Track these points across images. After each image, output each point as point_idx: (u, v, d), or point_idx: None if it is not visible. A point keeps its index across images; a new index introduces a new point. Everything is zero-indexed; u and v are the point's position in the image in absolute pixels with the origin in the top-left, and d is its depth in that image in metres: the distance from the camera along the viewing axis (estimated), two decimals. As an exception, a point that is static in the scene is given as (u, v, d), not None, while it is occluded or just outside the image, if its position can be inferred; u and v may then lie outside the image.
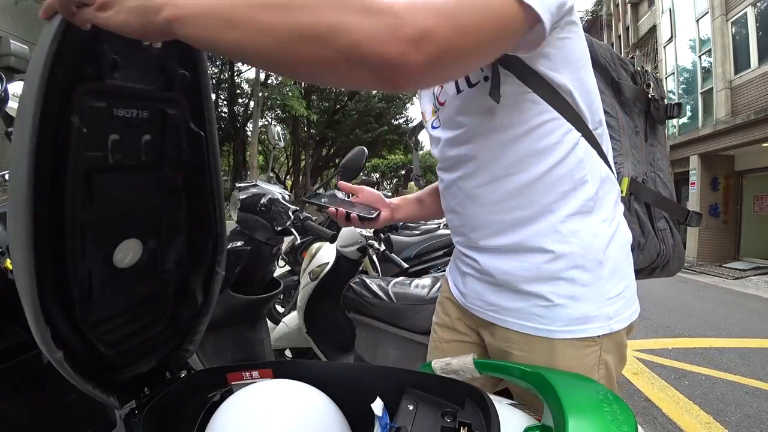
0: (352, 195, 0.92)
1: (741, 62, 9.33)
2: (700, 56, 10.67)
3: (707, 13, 10.09)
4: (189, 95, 0.62)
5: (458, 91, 0.68)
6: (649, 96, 0.87)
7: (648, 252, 0.83)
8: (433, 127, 0.78)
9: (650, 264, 0.88)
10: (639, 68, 0.91)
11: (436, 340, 0.87)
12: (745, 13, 9.10)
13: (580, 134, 0.64)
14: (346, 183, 0.85)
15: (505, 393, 0.79)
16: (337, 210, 0.85)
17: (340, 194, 0.97)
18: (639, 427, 0.49)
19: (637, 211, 0.83)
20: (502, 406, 0.56)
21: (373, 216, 0.84)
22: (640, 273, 0.89)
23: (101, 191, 0.55)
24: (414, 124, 1.01)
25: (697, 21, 10.61)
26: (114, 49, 0.50)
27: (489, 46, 0.49)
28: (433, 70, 0.44)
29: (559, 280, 0.64)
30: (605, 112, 0.75)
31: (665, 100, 0.91)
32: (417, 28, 0.41)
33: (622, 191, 0.76)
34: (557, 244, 0.64)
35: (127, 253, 0.62)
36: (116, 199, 0.58)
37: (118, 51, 0.51)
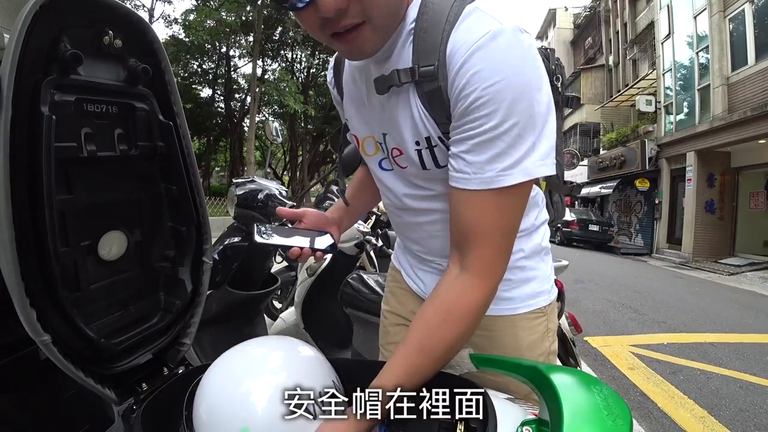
0: (298, 222, 0.82)
1: (738, 59, 9.35)
2: (697, 53, 10.69)
3: (705, 9, 10.09)
4: (155, 88, 0.67)
5: (424, 167, 0.66)
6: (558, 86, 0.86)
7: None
8: (381, 168, 0.76)
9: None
10: (556, 60, 0.88)
11: (387, 324, 0.96)
12: (743, 10, 9.11)
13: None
14: (286, 209, 0.79)
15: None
16: (301, 249, 0.75)
17: (288, 224, 0.85)
18: (634, 421, 0.50)
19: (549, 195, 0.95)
20: (498, 401, 0.57)
21: (332, 244, 0.78)
22: None
23: (79, 182, 0.58)
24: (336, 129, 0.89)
25: (695, 17, 10.62)
26: (75, 46, 0.54)
27: None
28: None
29: (514, 269, 0.76)
30: None
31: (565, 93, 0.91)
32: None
33: (542, 188, 0.87)
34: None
35: (113, 245, 0.64)
36: (95, 190, 0.61)
37: (80, 49, 0.54)
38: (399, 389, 0.57)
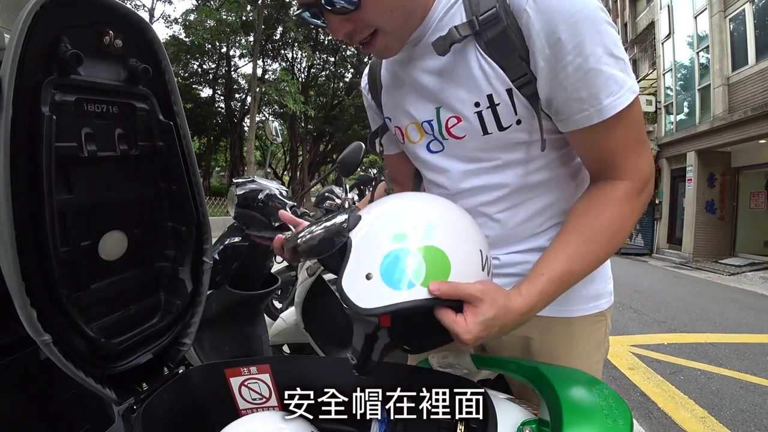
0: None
1: (738, 59, 9.34)
2: (697, 53, 10.67)
3: (705, 9, 10.07)
4: (155, 88, 0.67)
5: (485, 132, 0.64)
6: None
7: None
8: (429, 151, 0.73)
9: None
10: None
11: None
12: (743, 10, 9.10)
13: None
14: (288, 215, 0.74)
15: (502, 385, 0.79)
16: None
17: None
18: (635, 421, 0.50)
19: None
20: (499, 401, 0.57)
21: None
22: None
23: (79, 182, 0.58)
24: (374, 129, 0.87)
25: (695, 17, 10.60)
26: (76, 46, 0.54)
27: None
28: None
29: None
30: None
31: None
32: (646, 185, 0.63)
33: None
34: None
35: (113, 246, 0.64)
36: (96, 190, 0.61)
37: (80, 49, 0.54)
38: (558, 274, 0.58)
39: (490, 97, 0.62)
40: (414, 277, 0.49)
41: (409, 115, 0.72)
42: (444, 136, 0.69)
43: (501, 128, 0.63)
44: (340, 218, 0.57)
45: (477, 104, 0.63)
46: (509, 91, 0.61)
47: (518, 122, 0.63)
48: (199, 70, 18.25)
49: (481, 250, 0.56)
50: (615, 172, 0.62)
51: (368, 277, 0.50)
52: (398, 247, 0.51)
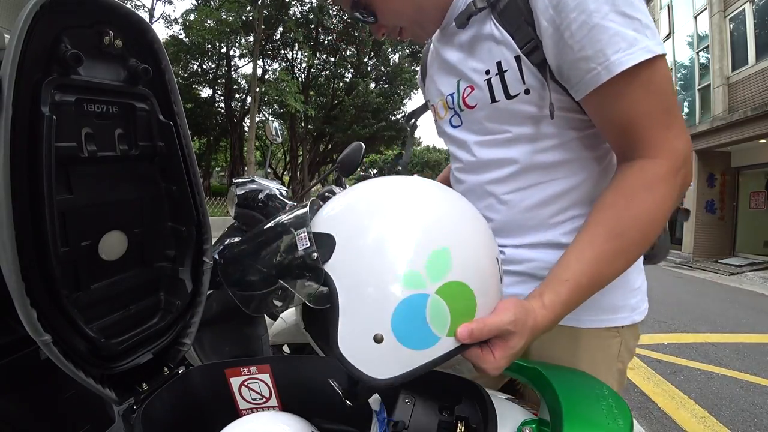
0: None
1: (738, 59, 9.34)
2: (697, 52, 10.68)
3: (705, 9, 10.08)
4: (155, 88, 0.67)
5: (493, 100, 0.65)
6: None
7: None
8: (452, 126, 0.75)
9: None
10: None
11: None
12: (743, 10, 9.09)
13: None
14: None
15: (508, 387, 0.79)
16: None
17: None
18: (635, 421, 0.50)
19: None
20: (498, 401, 0.57)
21: None
22: None
23: (79, 182, 0.58)
24: (415, 108, 0.95)
25: (695, 17, 10.60)
26: (76, 46, 0.54)
27: None
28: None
29: None
30: None
31: None
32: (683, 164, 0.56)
33: None
34: None
35: (113, 246, 0.65)
36: (96, 190, 0.61)
37: (80, 49, 0.54)
38: (586, 278, 0.51)
39: (499, 64, 0.63)
40: (438, 328, 0.41)
41: (439, 92, 0.76)
42: (461, 107, 0.71)
43: (508, 96, 0.63)
44: (302, 241, 0.42)
45: (487, 72, 0.65)
46: (517, 59, 0.61)
47: (527, 92, 0.62)
48: (199, 70, 18.24)
49: (497, 258, 0.49)
50: (641, 149, 0.56)
51: (377, 339, 0.40)
52: (411, 294, 0.40)
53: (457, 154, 0.76)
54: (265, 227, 0.53)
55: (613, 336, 0.68)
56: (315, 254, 0.42)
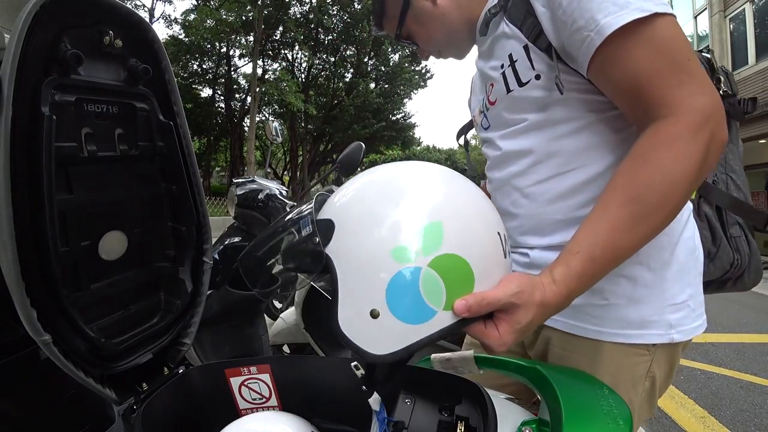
0: None
1: (738, 58, 9.34)
2: (698, 52, 10.68)
3: (705, 9, 10.07)
4: (155, 88, 0.67)
5: (508, 90, 0.68)
6: (721, 92, 0.77)
7: (720, 261, 0.75)
8: (483, 128, 0.79)
9: (722, 275, 0.77)
10: (708, 60, 0.81)
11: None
12: (743, 10, 9.09)
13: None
14: None
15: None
16: None
17: None
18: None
19: (708, 215, 0.75)
20: (499, 401, 0.57)
21: None
22: (710, 285, 0.79)
23: (79, 181, 0.58)
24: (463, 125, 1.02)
25: (695, 17, 10.60)
26: (76, 46, 0.54)
27: None
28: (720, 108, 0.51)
29: (619, 277, 0.60)
30: None
31: (737, 96, 0.80)
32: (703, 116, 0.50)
33: None
34: None
35: (113, 246, 0.65)
36: (96, 190, 0.61)
37: (80, 49, 0.54)
38: (600, 249, 0.48)
39: (510, 56, 0.66)
40: (433, 301, 0.41)
41: (477, 100, 0.82)
42: (487, 107, 0.75)
43: (521, 84, 0.66)
44: (306, 229, 0.46)
45: (501, 66, 0.68)
46: (525, 47, 0.64)
47: (537, 77, 0.63)
48: (199, 70, 18.24)
49: (498, 232, 0.47)
50: (654, 111, 0.51)
51: (374, 314, 0.41)
52: (403, 268, 0.41)
53: (487, 153, 0.78)
54: (276, 223, 0.56)
55: (640, 354, 0.61)
56: (317, 238, 0.44)
